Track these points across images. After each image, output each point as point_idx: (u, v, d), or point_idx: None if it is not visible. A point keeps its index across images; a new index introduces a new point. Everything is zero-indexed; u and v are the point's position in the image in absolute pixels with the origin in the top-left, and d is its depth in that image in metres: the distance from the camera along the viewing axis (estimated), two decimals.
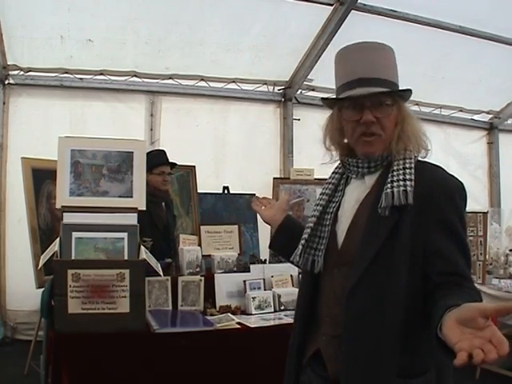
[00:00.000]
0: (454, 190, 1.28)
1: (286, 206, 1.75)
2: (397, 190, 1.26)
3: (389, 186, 1.28)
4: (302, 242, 1.43)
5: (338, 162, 1.48)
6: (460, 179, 1.31)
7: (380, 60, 1.34)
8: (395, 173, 1.30)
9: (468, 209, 1.32)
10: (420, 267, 1.24)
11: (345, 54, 1.39)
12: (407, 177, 1.27)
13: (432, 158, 1.38)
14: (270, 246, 1.75)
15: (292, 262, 1.51)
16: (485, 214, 4.39)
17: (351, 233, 1.35)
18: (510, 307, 0.90)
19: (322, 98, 1.45)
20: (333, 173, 1.50)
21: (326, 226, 1.40)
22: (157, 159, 3.41)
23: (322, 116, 1.51)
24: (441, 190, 1.26)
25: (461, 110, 6.04)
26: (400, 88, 1.36)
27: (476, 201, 5.78)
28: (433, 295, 1.19)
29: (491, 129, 6.39)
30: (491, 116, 6.30)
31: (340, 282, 1.34)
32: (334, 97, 1.40)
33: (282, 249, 1.71)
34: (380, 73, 1.32)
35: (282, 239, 1.67)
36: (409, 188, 1.25)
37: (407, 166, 1.31)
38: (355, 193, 1.39)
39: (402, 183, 1.26)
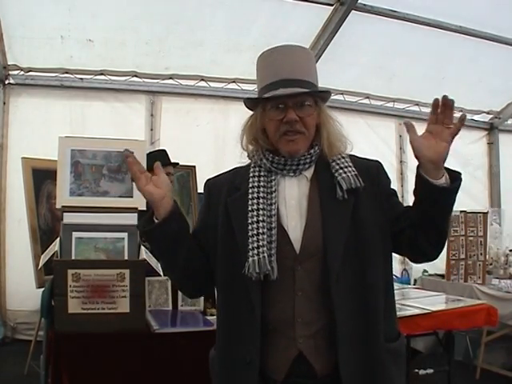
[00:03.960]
0: (381, 165, 1.48)
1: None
2: (350, 174, 1.37)
3: (340, 171, 1.38)
4: (262, 249, 1.32)
5: (250, 168, 1.46)
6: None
7: (301, 62, 1.40)
8: (338, 161, 1.40)
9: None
10: (388, 231, 1.37)
11: (267, 57, 1.43)
12: (350, 164, 1.40)
13: None
14: (153, 233, 1.40)
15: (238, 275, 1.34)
16: (485, 214, 4.38)
17: (311, 226, 1.35)
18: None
19: (246, 99, 1.45)
20: (252, 176, 1.43)
21: (273, 228, 1.36)
22: (155, 160, 3.37)
23: None
24: (374, 167, 1.45)
25: (461, 111, 6.00)
26: (320, 89, 1.43)
27: (476, 201, 5.77)
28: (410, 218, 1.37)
29: (491, 129, 6.39)
30: (491, 116, 6.30)
31: (310, 277, 1.33)
32: (257, 97, 1.42)
33: (163, 241, 1.41)
34: (302, 74, 1.37)
35: (170, 230, 1.39)
36: (357, 173, 1.38)
37: (344, 155, 1.43)
38: (296, 188, 1.41)
39: (350, 169, 1.38)
